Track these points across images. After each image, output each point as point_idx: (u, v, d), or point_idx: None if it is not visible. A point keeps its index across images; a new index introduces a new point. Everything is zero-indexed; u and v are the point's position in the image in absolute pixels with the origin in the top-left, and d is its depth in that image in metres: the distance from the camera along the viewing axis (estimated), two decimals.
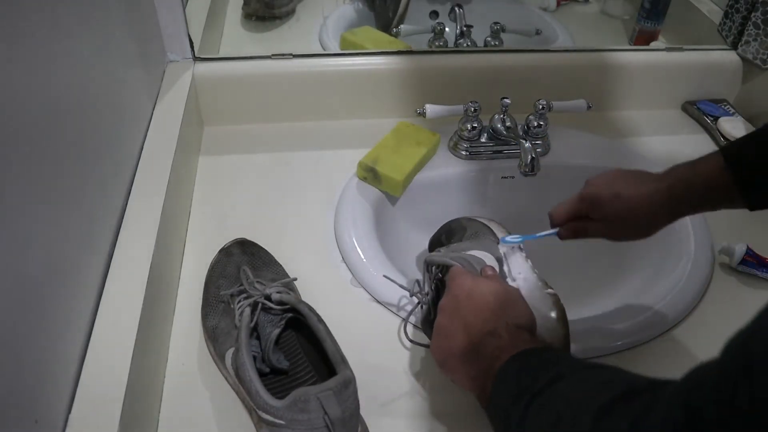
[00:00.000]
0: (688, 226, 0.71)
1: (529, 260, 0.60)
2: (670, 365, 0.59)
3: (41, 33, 0.46)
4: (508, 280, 0.57)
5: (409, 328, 0.62)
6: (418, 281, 0.61)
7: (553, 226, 0.64)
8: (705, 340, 0.62)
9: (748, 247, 0.68)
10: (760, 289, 0.67)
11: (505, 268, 0.59)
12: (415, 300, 0.61)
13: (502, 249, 0.61)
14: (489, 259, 0.58)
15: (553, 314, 0.53)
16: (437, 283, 0.59)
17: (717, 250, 0.70)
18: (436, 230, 0.69)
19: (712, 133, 0.88)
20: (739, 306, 0.65)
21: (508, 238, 0.61)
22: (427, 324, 0.58)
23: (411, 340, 0.60)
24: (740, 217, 0.76)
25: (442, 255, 0.59)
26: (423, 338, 0.60)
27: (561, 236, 0.63)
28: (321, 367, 0.54)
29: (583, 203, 0.61)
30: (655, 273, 0.69)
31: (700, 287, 0.66)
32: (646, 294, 0.66)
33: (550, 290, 0.55)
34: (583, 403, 0.37)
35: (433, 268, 0.59)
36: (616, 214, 0.58)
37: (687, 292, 0.65)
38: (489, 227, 0.64)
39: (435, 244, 0.68)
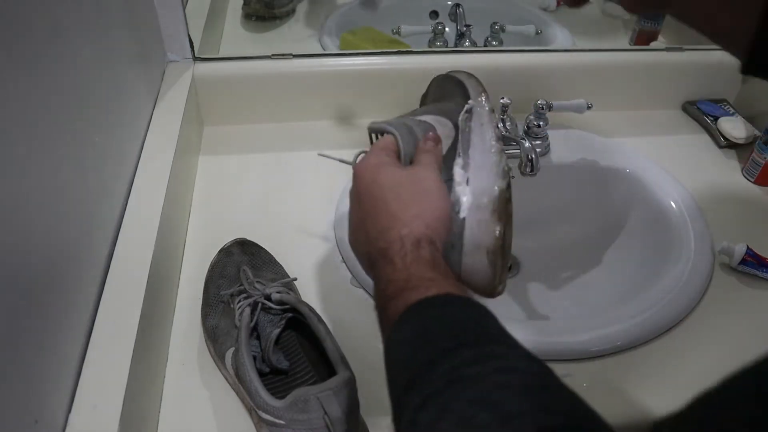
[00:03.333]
0: (688, 225, 0.71)
1: (495, 134, 0.48)
2: (669, 365, 0.59)
3: (41, 34, 0.46)
4: (457, 159, 0.48)
5: None
6: (365, 152, 0.52)
7: None
8: (705, 340, 0.62)
9: (748, 247, 0.68)
10: (760, 289, 0.67)
11: (459, 143, 0.48)
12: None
13: (468, 107, 0.50)
14: (444, 126, 0.49)
15: (492, 207, 0.44)
16: None
17: (717, 250, 0.70)
18: None
19: (712, 133, 0.88)
20: (739, 306, 0.65)
21: None
22: None
23: None
24: (740, 217, 0.76)
25: (383, 121, 0.50)
26: None
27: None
28: (321, 367, 0.54)
29: None
30: (655, 273, 0.69)
31: (700, 287, 0.66)
32: (645, 294, 0.66)
33: (504, 181, 0.46)
34: None
35: (374, 137, 0.51)
36: None
37: (687, 292, 0.65)
38: (465, 87, 0.53)
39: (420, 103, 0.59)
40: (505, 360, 0.32)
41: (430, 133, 0.47)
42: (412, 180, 0.43)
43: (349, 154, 0.78)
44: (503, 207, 0.45)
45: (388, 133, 0.48)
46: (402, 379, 0.34)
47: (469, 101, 0.50)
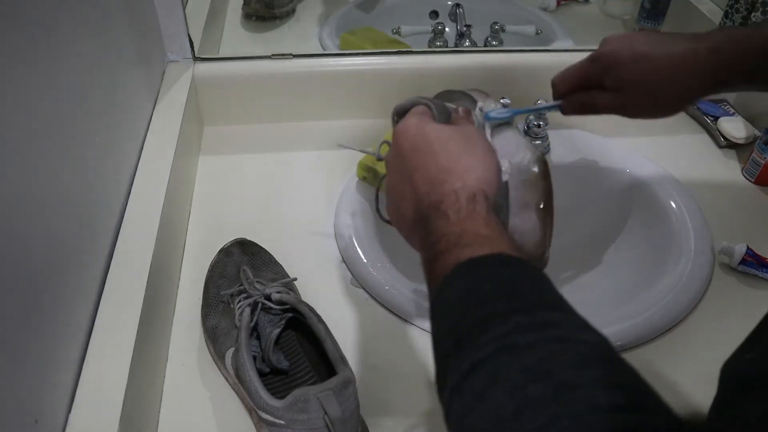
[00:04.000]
0: (688, 225, 0.71)
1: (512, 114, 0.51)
2: (670, 365, 0.59)
3: (41, 34, 0.46)
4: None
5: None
6: (387, 142, 0.50)
7: (556, 97, 0.53)
8: (705, 340, 0.62)
9: (748, 247, 0.68)
10: (760, 289, 0.67)
11: (486, 128, 0.49)
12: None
13: (480, 107, 0.51)
14: None
15: (535, 168, 0.45)
16: None
17: (717, 250, 0.70)
18: None
19: (712, 133, 0.88)
20: (739, 306, 0.65)
21: (493, 113, 0.47)
22: None
23: (383, 219, 0.51)
24: (740, 217, 0.76)
25: (410, 98, 0.49)
26: None
27: (564, 111, 0.53)
28: (321, 367, 0.54)
29: (595, 66, 0.50)
30: (655, 273, 0.69)
31: (700, 287, 0.66)
32: (645, 294, 0.66)
33: (535, 143, 0.48)
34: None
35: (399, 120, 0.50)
36: (638, 80, 0.47)
37: (687, 292, 0.65)
38: (469, 95, 0.54)
39: None
40: (561, 328, 0.30)
41: (461, 108, 0.46)
42: (459, 133, 0.41)
43: (349, 154, 0.79)
44: (544, 166, 0.45)
45: (421, 104, 0.46)
46: (448, 341, 0.32)
47: (479, 103, 0.51)
